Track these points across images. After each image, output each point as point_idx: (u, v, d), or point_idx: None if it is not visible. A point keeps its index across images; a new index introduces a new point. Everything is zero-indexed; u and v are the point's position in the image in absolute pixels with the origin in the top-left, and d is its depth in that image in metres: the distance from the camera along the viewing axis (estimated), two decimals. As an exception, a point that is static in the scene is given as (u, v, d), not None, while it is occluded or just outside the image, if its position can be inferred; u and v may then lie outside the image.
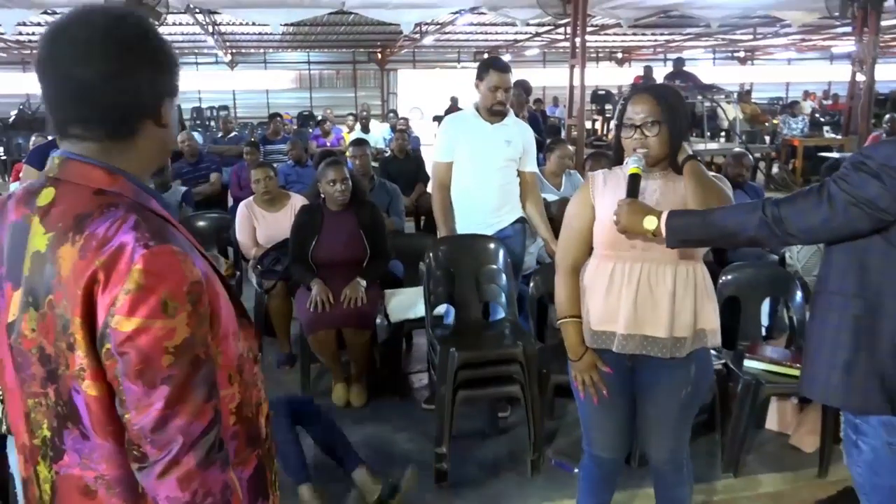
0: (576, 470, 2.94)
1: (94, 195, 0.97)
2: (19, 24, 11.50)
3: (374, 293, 3.57)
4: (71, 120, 1.00)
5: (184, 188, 5.28)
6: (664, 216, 1.77)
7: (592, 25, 12.50)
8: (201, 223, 4.69)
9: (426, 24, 13.69)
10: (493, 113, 3.30)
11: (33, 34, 14.20)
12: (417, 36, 15.01)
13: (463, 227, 3.40)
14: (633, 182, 1.88)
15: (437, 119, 17.40)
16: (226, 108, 19.30)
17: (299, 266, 3.64)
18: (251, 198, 4.39)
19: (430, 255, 3.27)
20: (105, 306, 0.90)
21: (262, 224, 4.27)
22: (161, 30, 6.27)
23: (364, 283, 3.51)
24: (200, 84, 19.81)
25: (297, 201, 4.28)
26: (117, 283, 0.90)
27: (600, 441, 2.16)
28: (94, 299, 0.91)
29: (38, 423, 0.99)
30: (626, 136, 1.94)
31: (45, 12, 10.96)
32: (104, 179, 0.99)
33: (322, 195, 3.72)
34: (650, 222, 1.78)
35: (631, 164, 1.89)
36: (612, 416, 2.10)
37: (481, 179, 3.33)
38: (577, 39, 8.37)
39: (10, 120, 17.61)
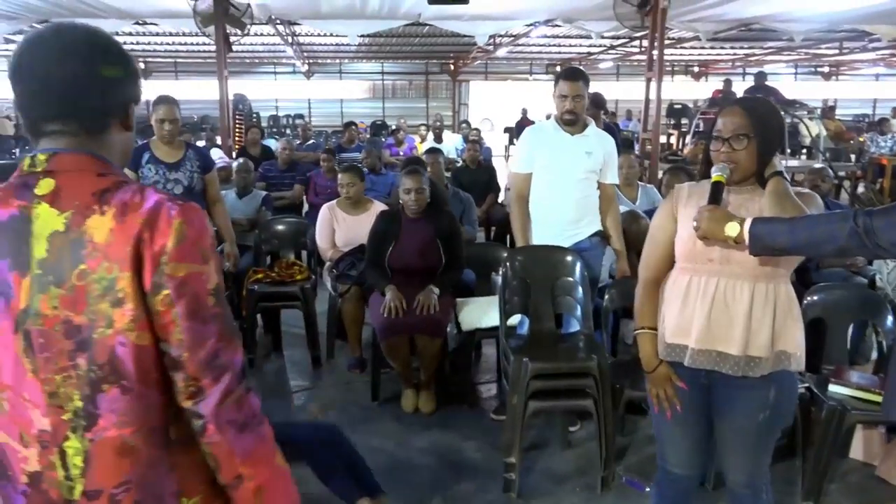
0: (647, 489, 2.89)
1: (98, 177, 1.07)
2: (114, 34, 12.10)
3: (446, 301, 3.59)
4: (49, 117, 1.07)
5: (264, 192, 5.44)
6: (747, 223, 1.72)
7: (669, 38, 12.29)
8: (280, 227, 4.81)
9: (500, 35, 13.74)
10: (566, 122, 3.28)
11: (124, 44, 14.91)
12: (491, 48, 15.06)
13: (540, 238, 3.39)
14: (717, 189, 1.85)
15: (508, 130, 17.45)
16: (301, 116, 19.81)
17: (374, 271, 3.70)
18: (334, 200, 4.49)
19: (507, 264, 3.27)
20: (154, 258, 1.02)
21: (342, 226, 4.35)
22: (244, 40, 6.51)
23: (437, 290, 3.53)
24: (278, 93, 20.41)
25: (379, 207, 4.35)
26: (162, 236, 1.03)
27: (674, 457, 2.11)
28: (141, 254, 1.02)
29: (67, 397, 1.03)
30: (715, 148, 1.91)
31: (137, 22, 11.51)
32: (101, 165, 1.09)
33: (401, 202, 3.77)
34: (732, 228, 1.73)
35: (715, 173, 1.87)
36: (685, 433, 2.06)
37: (560, 191, 3.32)
38: (655, 52, 8.24)
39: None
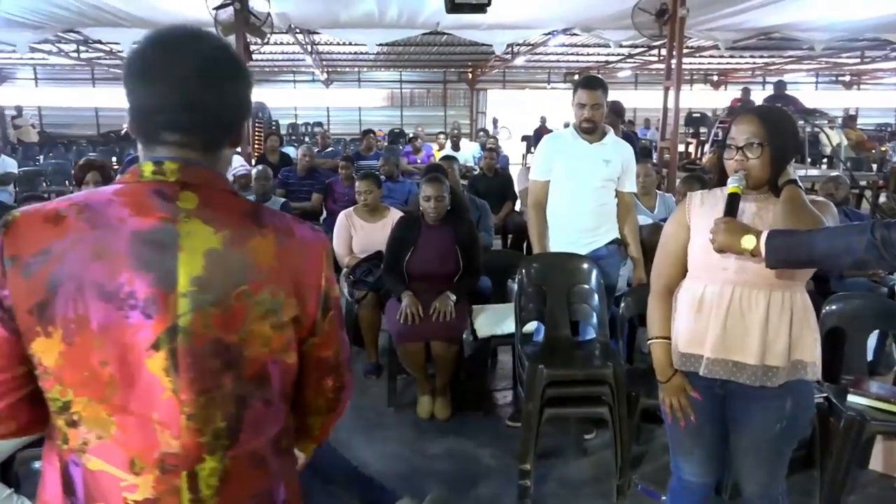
0: (663, 497, 2.88)
1: (232, 195, 1.06)
2: (135, 43, 12.27)
3: (462, 308, 3.61)
4: (174, 126, 1.02)
5: (282, 200, 5.49)
6: (764, 235, 1.71)
7: (688, 47, 12.28)
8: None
9: (518, 44, 13.78)
10: (585, 130, 3.30)
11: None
12: (508, 56, 15.10)
13: (557, 245, 3.40)
14: (732, 201, 1.84)
15: (526, 139, 17.45)
16: (320, 124, 19.96)
17: (392, 276, 3.73)
18: (352, 208, 4.54)
19: (523, 271, 3.28)
20: (319, 285, 1.10)
21: (359, 233, 4.39)
22: (263, 48, 6.59)
23: (454, 297, 3.55)
24: (297, 101, 20.58)
25: (396, 215, 4.38)
26: (319, 262, 1.10)
27: (687, 465, 2.11)
28: (306, 281, 1.08)
29: (210, 418, 1.01)
30: (728, 156, 1.91)
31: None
32: (226, 182, 1.08)
33: (420, 208, 3.80)
34: (749, 241, 1.73)
35: (731, 184, 1.86)
36: (699, 443, 2.06)
37: (577, 199, 3.33)
38: (673, 61, 8.23)
39: (123, 132, 18.76)
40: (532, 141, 15.47)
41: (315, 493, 2.53)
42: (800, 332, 1.88)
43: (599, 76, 3.41)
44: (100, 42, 13.33)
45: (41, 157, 12.63)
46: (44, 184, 9.92)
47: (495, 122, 14.69)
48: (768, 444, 1.96)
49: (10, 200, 6.81)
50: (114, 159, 13.79)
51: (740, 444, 2.00)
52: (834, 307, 3.08)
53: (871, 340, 3.29)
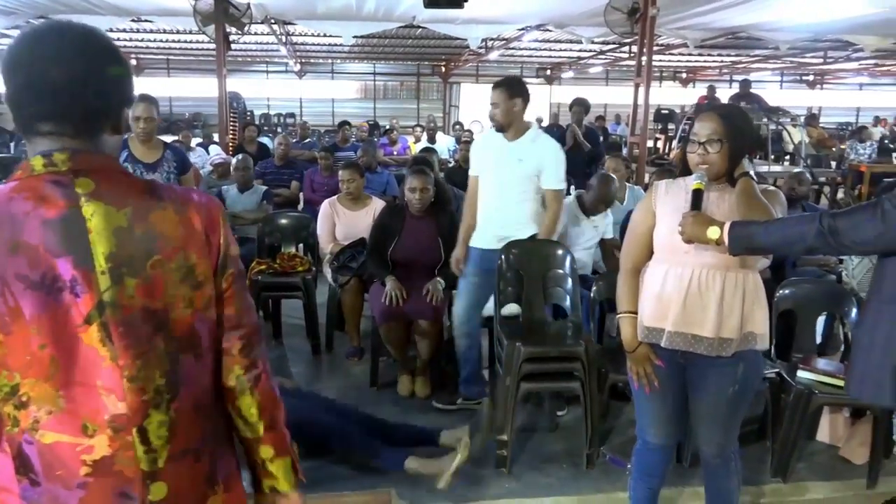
0: (629, 466, 3.10)
1: (126, 176, 1.16)
2: (108, 31, 12.23)
3: (444, 293, 3.81)
4: (44, 116, 1.08)
5: (264, 188, 5.62)
6: (727, 226, 1.93)
7: (658, 45, 12.57)
8: (283, 221, 4.98)
9: (492, 39, 13.96)
10: (496, 129, 3.52)
11: (117, 40, 15.01)
12: (482, 51, 15.28)
13: (477, 239, 3.64)
14: (697, 197, 2.06)
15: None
16: (293, 115, 19.96)
17: (375, 262, 3.93)
18: (335, 196, 4.69)
19: (503, 257, 3.48)
20: (219, 244, 1.19)
21: (342, 221, 4.56)
22: (238, 38, 6.59)
23: (443, 283, 3.76)
24: (270, 91, 20.55)
25: (378, 204, 4.56)
26: (218, 224, 1.20)
27: (651, 428, 2.33)
28: (210, 242, 1.18)
29: (149, 378, 1.11)
30: (691, 150, 2.13)
31: (134, 19, 11.63)
32: (118, 165, 1.17)
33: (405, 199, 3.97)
34: (713, 232, 1.94)
35: (694, 181, 2.08)
36: (662, 405, 2.28)
37: (495, 194, 3.57)
38: (644, 58, 8.49)
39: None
40: (505, 135, 15.59)
41: (363, 441, 2.84)
42: (751, 308, 2.11)
43: (514, 77, 3.58)
44: (71, 29, 13.22)
45: (13, 145, 12.49)
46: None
47: (461, 125, 14.87)
48: (723, 406, 2.19)
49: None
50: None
51: (698, 406, 2.23)
52: (787, 291, 3.33)
53: (820, 323, 3.56)
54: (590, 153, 7.08)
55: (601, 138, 8.48)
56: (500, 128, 3.49)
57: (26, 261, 1.04)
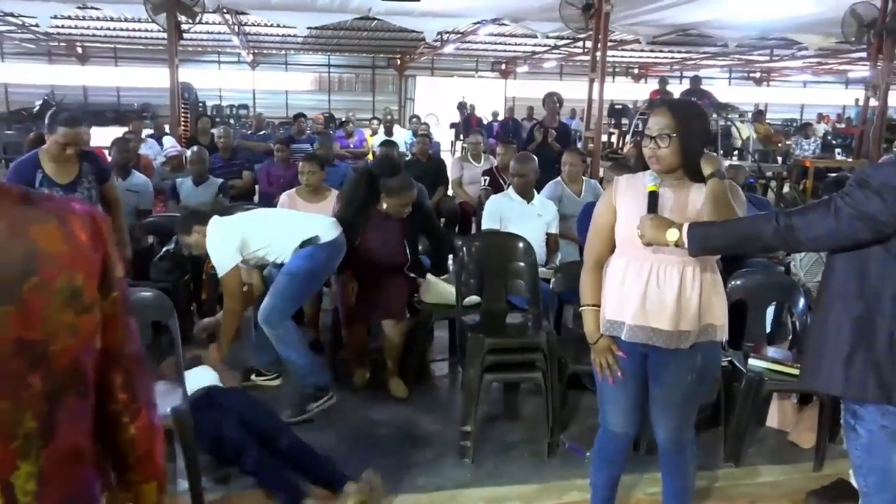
0: (587, 454, 3.18)
1: None
2: (53, 17, 11.86)
3: (407, 285, 3.82)
4: None
5: (220, 180, 5.53)
6: (685, 228, 1.96)
7: (612, 41, 12.76)
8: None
9: (448, 32, 13.98)
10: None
11: (62, 27, 14.55)
12: (438, 44, 15.30)
13: None
14: (652, 199, 2.10)
15: (454, 126, 17.69)
16: (245, 106, 19.70)
17: None
18: (294, 189, 4.64)
19: (464, 249, 3.51)
20: (104, 262, 1.01)
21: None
22: (191, 28, 6.46)
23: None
24: (222, 82, 20.22)
25: (337, 196, 4.52)
26: (103, 240, 1.02)
27: (613, 417, 2.38)
28: (94, 260, 1.00)
29: (18, 422, 0.94)
30: (644, 145, 2.17)
31: (80, 6, 11.30)
32: None
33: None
34: (672, 234, 1.98)
35: (649, 182, 2.12)
36: (624, 395, 2.33)
37: None
38: (598, 54, 8.61)
39: (35, 110, 17.97)
40: (461, 128, 15.66)
41: (267, 472, 2.71)
42: (709, 301, 2.17)
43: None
44: (12, 15, 12.77)
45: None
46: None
47: (417, 118, 14.75)
48: (681, 394, 2.25)
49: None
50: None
51: (657, 394, 2.29)
52: (738, 282, 3.44)
53: (770, 312, 3.68)
54: (560, 152, 6.93)
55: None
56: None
57: None
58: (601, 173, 7.91)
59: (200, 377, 3.09)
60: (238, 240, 3.38)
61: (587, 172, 6.33)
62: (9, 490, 0.94)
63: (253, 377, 3.82)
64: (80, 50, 18.87)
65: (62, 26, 14.38)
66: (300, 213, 3.86)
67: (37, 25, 13.41)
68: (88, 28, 14.95)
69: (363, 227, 3.77)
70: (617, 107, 14.07)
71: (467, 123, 14.95)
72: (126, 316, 1.08)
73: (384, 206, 3.75)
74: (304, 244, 3.43)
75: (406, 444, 3.29)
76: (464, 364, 3.26)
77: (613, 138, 13.28)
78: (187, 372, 3.01)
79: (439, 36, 13.86)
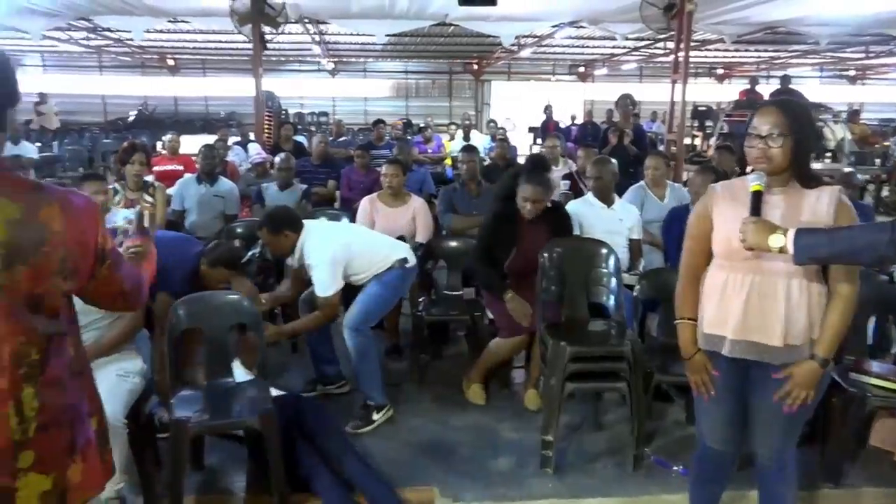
0: (675, 468, 3.07)
1: (13, 175, 1.32)
2: (146, 31, 12.42)
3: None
4: None
5: (304, 186, 5.65)
6: (790, 234, 1.83)
7: (694, 41, 12.41)
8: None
9: (525, 36, 13.90)
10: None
11: (155, 41, 15.22)
12: (515, 48, 15.23)
13: None
14: (756, 199, 1.97)
15: (533, 130, 17.53)
16: (325, 113, 20.12)
17: (490, 273, 3.70)
18: (375, 193, 4.68)
19: (545, 255, 3.44)
20: (96, 239, 1.39)
21: (380, 218, 4.52)
22: (274, 38, 6.67)
23: None
24: (303, 90, 20.72)
25: (417, 202, 4.55)
26: (95, 222, 1.38)
27: (712, 434, 2.27)
28: (87, 239, 1.36)
29: (25, 354, 1.28)
30: (750, 145, 2.03)
31: (170, 20, 11.80)
32: (4, 162, 1.33)
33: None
34: (777, 240, 1.85)
35: (752, 182, 1.98)
36: (722, 411, 2.22)
37: None
38: (681, 55, 8.39)
39: (130, 119, 18.91)
40: (539, 132, 15.51)
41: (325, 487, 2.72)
42: (817, 314, 2.03)
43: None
44: (109, 30, 13.44)
45: (55, 144, 12.75)
46: (60, 169, 10.05)
47: (495, 122, 14.70)
48: (783, 412, 2.12)
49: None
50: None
51: (759, 411, 2.16)
52: (838, 292, 3.24)
53: (871, 324, 3.46)
54: (636, 155, 6.69)
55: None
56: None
57: None
58: (684, 177, 7.70)
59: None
60: (343, 267, 3.44)
61: (669, 176, 6.16)
62: (19, 406, 1.28)
63: (319, 386, 3.83)
64: (171, 62, 19.70)
65: (154, 40, 15.04)
66: (389, 238, 3.87)
67: (131, 39, 14.09)
68: (179, 41, 15.59)
69: (514, 236, 3.68)
70: (700, 109, 13.64)
71: (545, 127, 14.80)
72: (117, 272, 1.48)
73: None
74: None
75: (485, 452, 3.25)
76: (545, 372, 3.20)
77: (697, 141, 12.88)
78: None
79: (516, 40, 13.78)
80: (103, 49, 16.64)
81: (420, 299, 4.18)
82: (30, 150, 8.66)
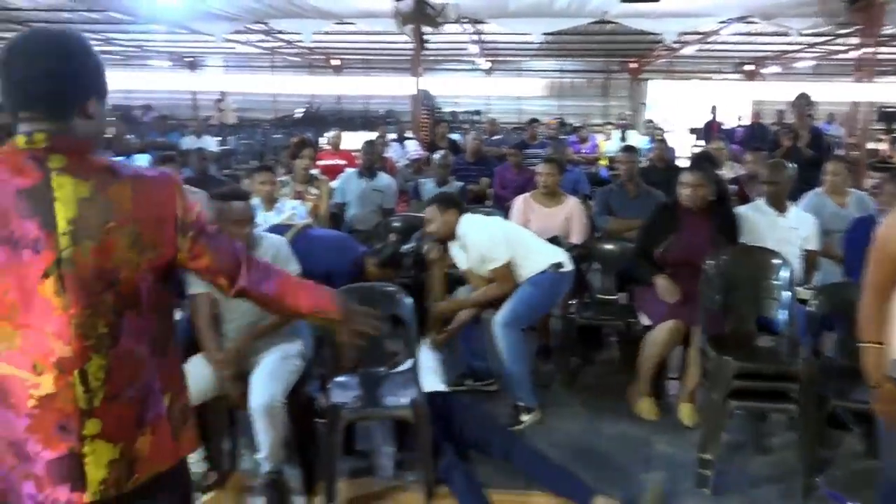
0: (850, 504, 2.80)
1: (90, 154, 1.36)
2: (315, 33, 13.12)
3: None
4: (22, 106, 1.32)
5: (460, 183, 5.74)
6: None
7: (882, 35, 11.33)
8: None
9: (688, 33, 13.28)
10: None
11: (321, 42, 16.03)
12: (677, 45, 14.60)
13: None
14: None
15: (695, 131, 16.75)
16: (479, 112, 20.32)
17: (642, 261, 3.73)
18: (529, 192, 4.65)
19: (710, 262, 3.27)
20: (173, 214, 1.40)
21: (535, 217, 4.48)
22: (432, 38, 6.82)
23: None
24: (457, 89, 21.01)
25: (572, 202, 4.47)
26: (171, 195, 1.40)
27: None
28: (162, 214, 1.38)
29: (94, 326, 1.31)
30: None
31: (339, 22, 12.37)
32: (88, 146, 1.36)
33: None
34: None
35: None
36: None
37: None
38: (867, 51, 7.68)
39: (297, 116, 20.10)
40: (701, 133, 14.78)
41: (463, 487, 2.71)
42: None
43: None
44: (281, 32, 14.30)
45: (231, 138, 13.78)
46: (235, 162, 10.85)
47: (653, 122, 14.18)
48: None
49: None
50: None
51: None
52: None
53: None
54: (812, 159, 6.15)
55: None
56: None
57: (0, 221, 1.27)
58: (866, 184, 7.05)
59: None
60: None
61: (851, 183, 5.66)
62: (84, 376, 1.32)
63: (469, 382, 3.84)
64: (335, 62, 20.68)
65: (321, 41, 15.83)
66: (545, 242, 3.80)
67: (301, 41, 14.93)
68: (343, 42, 16.31)
69: (672, 226, 3.64)
70: (888, 110, 12.44)
71: (708, 128, 14.08)
72: (209, 240, 1.47)
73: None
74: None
75: (638, 464, 3.13)
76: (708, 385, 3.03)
77: (883, 146, 11.75)
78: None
79: (679, 37, 13.20)
80: (276, 50, 17.73)
81: (572, 301, 4.10)
82: (210, 143, 9.43)
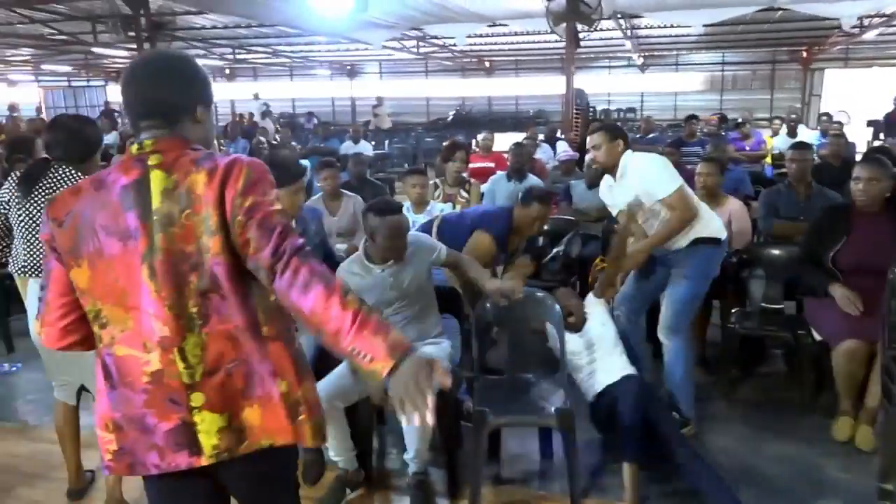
0: None
1: (189, 150, 1.48)
2: (468, 36, 13.30)
3: None
4: (142, 117, 1.50)
5: (610, 185, 5.58)
6: None
7: None
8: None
9: (871, 16, 12.13)
10: None
11: (474, 44, 16.24)
12: (856, 30, 13.37)
13: None
14: None
15: (872, 124, 15.28)
16: (633, 110, 19.74)
17: (812, 269, 3.48)
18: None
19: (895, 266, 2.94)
20: (230, 198, 1.41)
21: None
22: (582, 35, 6.64)
23: None
24: (610, 86, 20.53)
25: (734, 205, 4.21)
26: (235, 181, 1.42)
27: None
28: (223, 198, 1.41)
29: (183, 306, 1.42)
30: None
31: (491, 24, 12.47)
32: (188, 143, 1.50)
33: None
34: None
35: None
36: None
37: None
38: None
39: (449, 119, 20.51)
40: (882, 126, 13.47)
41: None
42: None
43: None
44: (435, 37, 14.64)
45: (386, 143, 14.30)
46: (389, 165, 11.24)
47: (828, 116, 13.01)
48: None
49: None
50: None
51: None
52: None
53: None
54: None
55: None
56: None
57: (109, 214, 1.44)
58: None
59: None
60: None
61: None
62: (182, 352, 1.43)
63: None
64: (487, 64, 20.90)
65: (474, 44, 16.05)
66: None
67: (454, 45, 15.22)
68: (496, 44, 16.44)
69: (843, 228, 3.35)
70: None
71: (889, 120, 12.80)
72: (258, 229, 1.41)
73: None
74: (700, 241, 3.25)
75: (806, 490, 2.88)
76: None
77: None
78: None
79: (859, 21, 12.08)
80: (430, 55, 18.19)
81: (733, 310, 3.86)
82: (367, 147, 9.81)
